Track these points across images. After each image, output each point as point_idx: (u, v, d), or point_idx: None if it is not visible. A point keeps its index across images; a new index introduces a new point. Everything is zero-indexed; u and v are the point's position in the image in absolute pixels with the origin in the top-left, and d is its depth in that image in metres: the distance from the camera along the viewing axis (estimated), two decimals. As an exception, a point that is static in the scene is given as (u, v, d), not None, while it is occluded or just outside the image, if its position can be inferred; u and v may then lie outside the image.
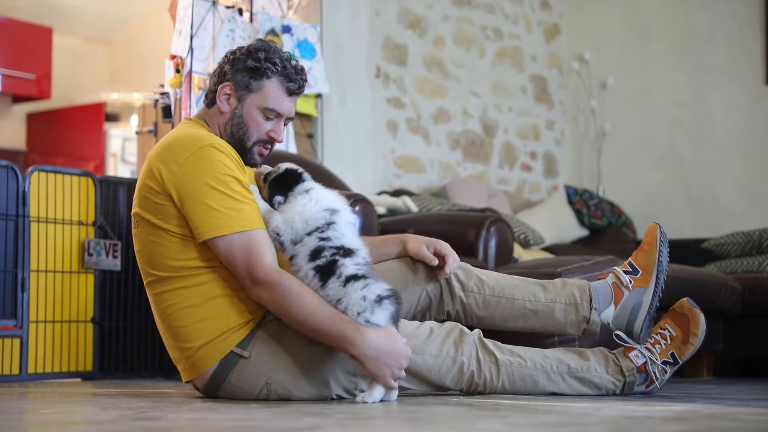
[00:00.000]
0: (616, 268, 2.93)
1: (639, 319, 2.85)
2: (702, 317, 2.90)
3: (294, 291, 2.59)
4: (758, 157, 6.42)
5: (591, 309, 2.87)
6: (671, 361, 2.89)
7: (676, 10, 6.77)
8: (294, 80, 2.81)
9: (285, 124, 2.87)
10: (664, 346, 2.89)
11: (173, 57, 4.57)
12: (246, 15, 4.77)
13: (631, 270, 2.90)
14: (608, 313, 2.87)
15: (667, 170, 6.71)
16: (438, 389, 2.85)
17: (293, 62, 2.83)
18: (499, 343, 2.87)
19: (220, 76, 2.82)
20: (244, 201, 2.66)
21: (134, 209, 2.78)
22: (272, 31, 4.81)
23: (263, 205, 2.73)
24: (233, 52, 2.84)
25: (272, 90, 2.79)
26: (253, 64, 2.78)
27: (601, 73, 6.95)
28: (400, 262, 2.95)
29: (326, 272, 2.60)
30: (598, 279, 2.94)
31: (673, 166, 6.69)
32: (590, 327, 2.90)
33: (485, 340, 2.85)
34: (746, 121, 6.48)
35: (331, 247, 2.62)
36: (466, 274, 2.96)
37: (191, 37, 4.47)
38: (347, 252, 2.63)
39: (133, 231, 2.80)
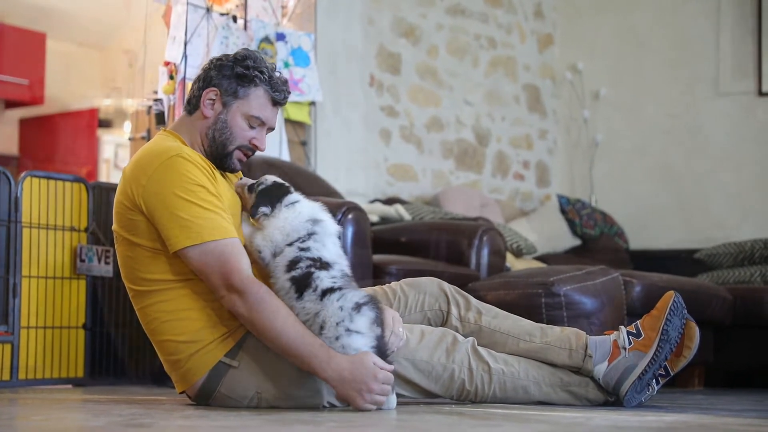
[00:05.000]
0: (622, 327, 2.90)
1: (627, 382, 2.82)
2: (697, 330, 2.89)
3: (269, 304, 2.58)
4: (750, 168, 6.44)
5: (585, 357, 2.85)
6: (663, 372, 2.89)
7: (669, 21, 6.78)
8: (279, 90, 2.82)
9: (267, 133, 2.88)
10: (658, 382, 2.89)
11: (167, 63, 4.57)
12: (240, 22, 4.77)
13: (635, 333, 2.86)
14: (601, 368, 2.85)
15: (660, 181, 6.72)
16: (428, 395, 2.84)
17: (278, 73, 2.85)
18: (493, 351, 2.87)
19: (205, 81, 2.83)
20: (214, 210, 2.65)
21: (113, 226, 2.79)
22: (266, 39, 4.81)
23: (247, 229, 2.73)
24: (219, 59, 2.84)
25: (258, 98, 2.80)
26: (242, 71, 2.78)
27: (594, 83, 6.97)
28: (401, 289, 2.98)
29: (302, 284, 2.60)
30: (605, 333, 2.93)
31: (666, 176, 6.70)
32: (582, 374, 2.89)
33: (479, 348, 2.84)
34: (738, 132, 6.50)
35: (308, 258, 2.62)
36: (466, 306, 2.97)
37: (185, 44, 4.47)
38: (324, 265, 2.62)
39: (116, 245, 2.80)
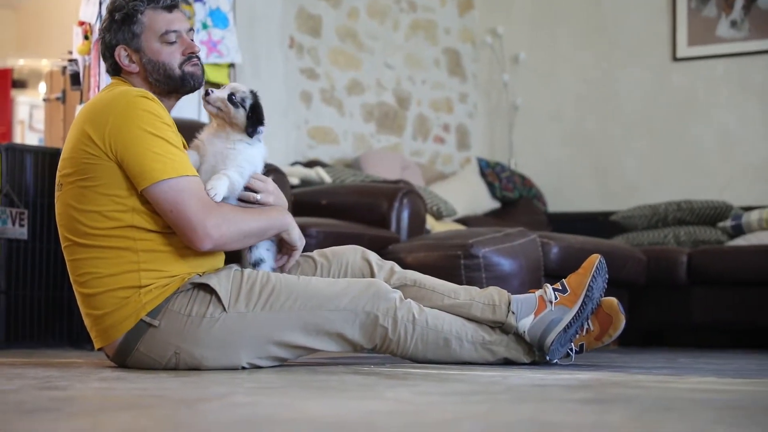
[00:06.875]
0: (547, 284, 2.97)
1: (552, 334, 2.87)
2: (623, 323, 2.96)
3: (237, 210, 2.75)
4: (663, 132, 6.55)
5: (508, 313, 2.90)
6: (578, 350, 2.96)
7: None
8: None
9: (190, 36, 2.89)
10: (578, 336, 2.95)
11: (81, 23, 4.48)
12: (157, -19, 4.69)
13: (561, 288, 2.93)
14: (526, 322, 2.90)
15: (576, 144, 6.81)
16: (351, 346, 2.81)
17: None
18: (420, 305, 2.89)
19: (109, 48, 2.86)
20: (180, 149, 2.73)
21: (61, 172, 2.76)
22: (184, -1, 4.74)
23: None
24: (102, 23, 2.89)
25: (152, 19, 2.83)
26: (122, 15, 2.82)
27: (513, 47, 7.01)
28: (325, 257, 3.04)
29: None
30: (530, 292, 2.97)
31: (582, 140, 6.79)
32: (505, 330, 2.93)
33: (407, 300, 2.85)
34: (652, 97, 6.60)
35: None
36: (389, 272, 3.00)
37: (100, 3, 4.39)
38: None
39: (56, 195, 2.79)
